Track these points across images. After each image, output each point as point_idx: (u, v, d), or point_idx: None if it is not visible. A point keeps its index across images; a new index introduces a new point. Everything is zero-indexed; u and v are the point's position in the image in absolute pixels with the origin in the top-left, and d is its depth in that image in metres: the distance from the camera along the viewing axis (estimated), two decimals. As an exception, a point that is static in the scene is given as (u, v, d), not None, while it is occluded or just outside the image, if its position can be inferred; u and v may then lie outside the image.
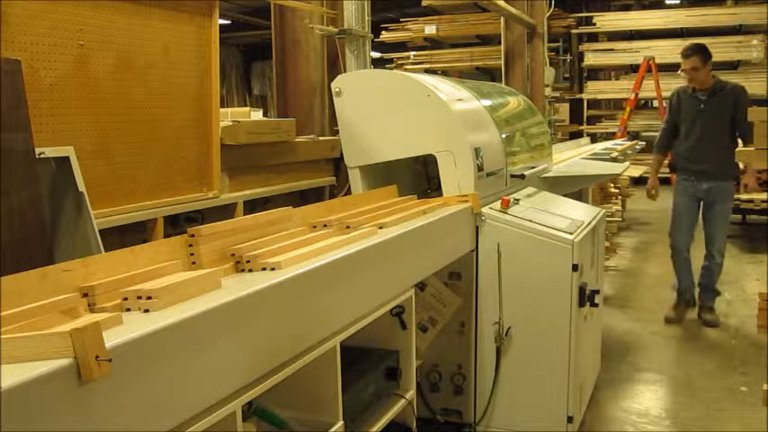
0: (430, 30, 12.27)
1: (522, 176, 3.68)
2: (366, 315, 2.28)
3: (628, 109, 12.76)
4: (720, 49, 12.60)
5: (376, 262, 2.33)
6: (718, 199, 5.18)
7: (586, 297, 3.26)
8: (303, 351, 1.93)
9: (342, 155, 3.50)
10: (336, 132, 3.95)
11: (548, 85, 10.34)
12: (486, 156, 3.32)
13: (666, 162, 5.69)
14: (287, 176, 3.89)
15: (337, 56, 4.42)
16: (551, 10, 10.47)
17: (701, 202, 5.24)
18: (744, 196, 8.11)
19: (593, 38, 14.12)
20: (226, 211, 3.30)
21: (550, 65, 10.75)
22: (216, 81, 3.13)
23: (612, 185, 7.85)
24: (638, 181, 10.61)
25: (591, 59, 13.81)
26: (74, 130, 2.48)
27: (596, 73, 15.02)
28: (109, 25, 2.60)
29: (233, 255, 1.98)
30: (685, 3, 14.42)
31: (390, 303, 2.49)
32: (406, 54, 13.17)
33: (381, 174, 3.47)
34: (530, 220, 3.19)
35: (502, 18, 9.32)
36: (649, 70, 12.60)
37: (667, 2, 14.73)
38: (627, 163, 5.68)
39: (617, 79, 14.72)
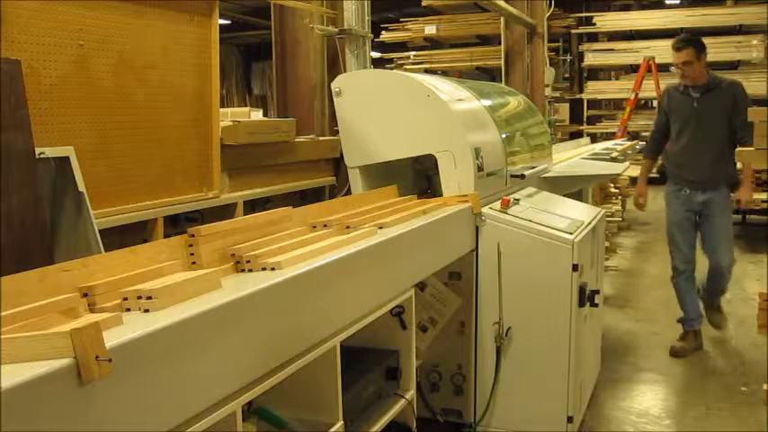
0: (430, 30, 12.26)
1: (522, 176, 3.68)
2: (366, 315, 2.28)
3: (628, 109, 12.74)
4: (720, 49, 12.60)
5: (376, 262, 2.33)
6: (717, 212, 4.57)
7: (586, 297, 3.26)
8: (303, 351, 1.93)
9: (342, 155, 3.50)
10: (336, 132, 3.95)
11: (548, 85, 10.33)
12: (486, 156, 3.32)
13: (656, 169, 5.29)
14: (287, 176, 3.89)
15: (337, 56, 4.42)
16: (551, 10, 10.46)
17: (698, 215, 4.66)
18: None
19: (593, 38, 14.11)
20: (226, 211, 3.30)
21: (550, 65, 10.74)
22: (216, 81, 3.13)
23: (612, 185, 7.85)
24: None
25: (591, 59, 13.80)
26: (74, 130, 2.48)
27: (596, 73, 15.01)
28: (109, 25, 2.60)
29: (233, 255, 1.98)
30: (685, 3, 14.41)
31: (390, 303, 2.49)
32: (406, 54, 13.16)
33: (381, 174, 3.47)
34: (530, 220, 3.19)
35: (502, 18, 9.31)
36: (649, 70, 12.58)
37: (667, 2, 14.73)
38: (627, 163, 5.68)
39: (617, 79, 14.71)
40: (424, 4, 11.40)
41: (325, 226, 2.46)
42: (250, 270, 1.94)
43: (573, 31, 13.93)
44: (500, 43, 9.72)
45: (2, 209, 1.92)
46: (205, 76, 3.09)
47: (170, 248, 1.90)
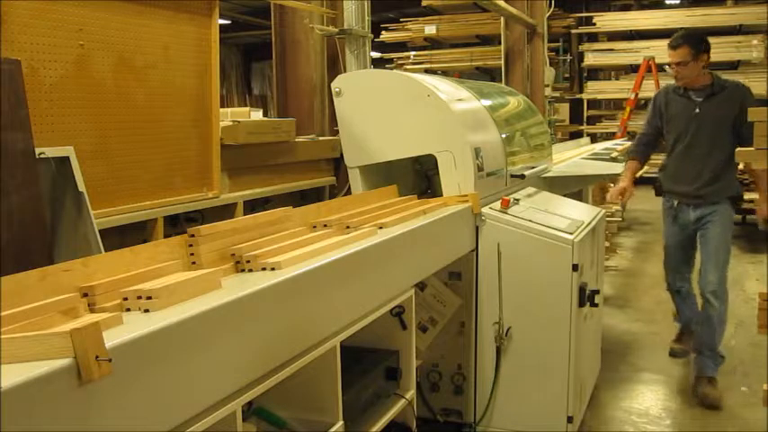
0: (430, 30, 12.26)
1: (522, 176, 3.68)
2: (366, 315, 2.28)
3: (628, 109, 12.75)
4: (720, 49, 12.59)
5: (376, 262, 2.33)
6: (712, 229, 4.04)
7: (586, 297, 3.26)
8: (303, 351, 1.93)
9: (342, 155, 3.50)
10: (336, 132, 3.96)
11: (548, 85, 10.33)
12: (486, 156, 3.32)
13: (647, 180, 4.74)
14: (287, 176, 3.89)
15: (337, 56, 4.42)
16: (551, 10, 10.46)
17: (695, 232, 4.15)
18: (744, 196, 8.04)
19: (593, 38, 14.11)
20: (226, 211, 3.30)
21: (550, 65, 10.74)
22: (216, 81, 3.13)
23: (612, 185, 7.83)
24: (638, 181, 10.60)
25: (591, 59, 13.80)
26: (74, 130, 2.48)
27: (596, 73, 15.02)
28: (109, 25, 2.60)
29: (233, 255, 1.98)
30: (685, 3, 14.42)
31: (390, 303, 2.49)
32: (406, 54, 13.16)
33: (381, 174, 3.47)
34: (530, 220, 3.19)
35: (502, 18, 9.31)
36: (649, 70, 12.59)
37: (667, 2, 14.73)
38: (627, 163, 5.68)
39: (617, 79, 14.71)
40: (424, 4, 11.41)
41: (326, 226, 2.46)
42: (250, 270, 1.94)
43: (573, 31, 13.93)
44: (500, 43, 9.72)
45: (2, 209, 1.92)
46: (205, 76, 3.09)
47: (170, 248, 1.90)
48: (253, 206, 3.58)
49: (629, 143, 7.72)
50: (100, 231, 2.38)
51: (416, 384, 2.81)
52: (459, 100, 3.48)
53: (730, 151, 3.74)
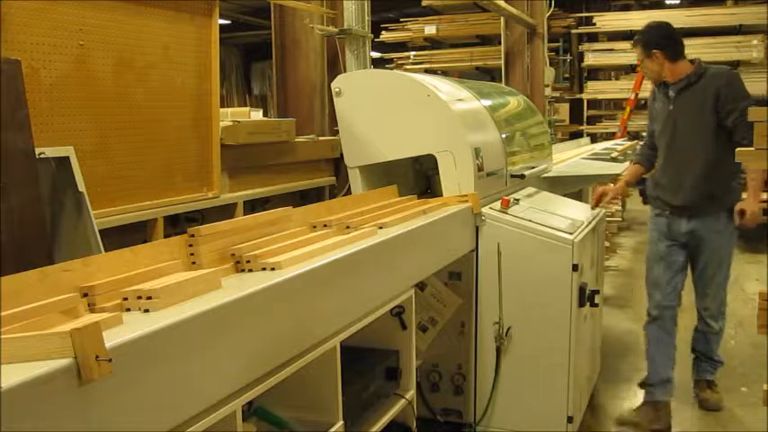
0: (430, 30, 12.25)
1: (522, 176, 3.68)
2: (366, 315, 2.28)
3: (628, 109, 12.75)
4: (720, 49, 12.60)
5: (376, 262, 2.33)
6: (708, 245, 3.57)
7: (586, 297, 3.26)
8: (303, 351, 1.93)
9: (342, 155, 3.50)
10: (336, 132, 3.95)
11: (548, 85, 10.33)
12: (486, 156, 3.32)
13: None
14: (287, 176, 3.89)
15: (337, 56, 4.42)
16: (551, 10, 10.47)
17: (687, 248, 3.67)
18: (744, 195, 8.03)
19: (593, 38, 14.10)
20: (226, 211, 3.30)
21: (550, 65, 10.75)
22: (216, 81, 3.13)
23: (612, 185, 7.83)
24: (638, 181, 10.60)
25: (591, 59, 13.79)
26: (74, 130, 2.48)
27: (596, 73, 15.00)
28: (109, 25, 2.60)
29: (233, 255, 1.98)
30: (685, 3, 14.41)
31: (390, 303, 2.49)
32: (406, 54, 13.15)
33: (381, 174, 3.47)
34: (530, 220, 3.19)
35: (502, 18, 9.31)
36: (649, 70, 12.57)
37: (667, 2, 14.73)
38: (627, 163, 5.67)
39: (617, 79, 14.70)
40: (424, 4, 11.40)
41: (326, 226, 2.46)
42: (250, 270, 1.94)
43: (573, 31, 13.93)
44: (500, 43, 9.72)
45: (2, 209, 1.92)
46: (205, 76, 3.09)
47: (170, 248, 1.90)
48: (253, 206, 3.58)
49: (628, 143, 7.73)
50: (100, 231, 2.38)
51: (416, 384, 2.81)
52: (459, 100, 3.48)
53: (720, 152, 3.40)
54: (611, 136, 12.25)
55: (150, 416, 1.37)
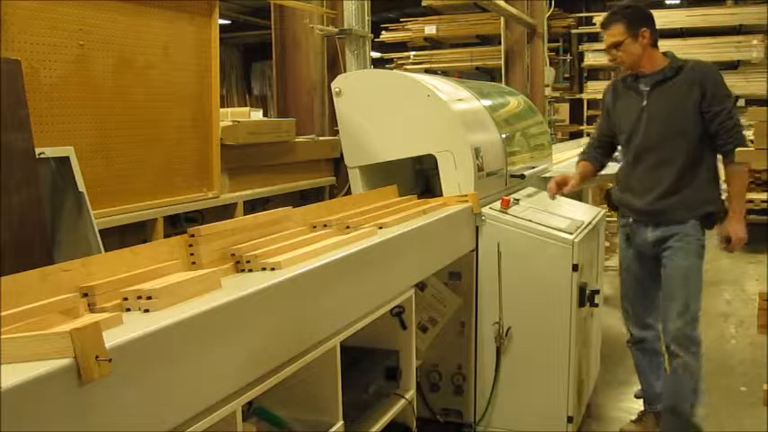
0: (430, 30, 12.25)
1: (522, 176, 3.68)
2: (366, 315, 2.28)
3: (628, 109, 12.72)
4: (720, 49, 12.59)
5: (376, 262, 2.33)
6: (673, 253, 3.11)
7: (586, 297, 3.26)
8: (303, 351, 1.93)
9: (342, 155, 3.50)
10: (336, 132, 3.95)
11: (548, 85, 10.33)
12: (486, 156, 3.32)
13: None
14: (287, 176, 3.89)
15: (337, 56, 4.42)
16: (551, 10, 10.47)
17: (656, 259, 3.21)
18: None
19: (593, 38, 14.10)
20: (226, 211, 3.30)
21: (550, 65, 10.74)
22: (216, 81, 3.13)
23: (612, 185, 7.84)
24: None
25: (591, 59, 13.79)
26: (74, 130, 2.48)
27: (596, 73, 15.01)
28: (109, 25, 2.60)
29: (233, 255, 1.98)
30: (685, 3, 14.41)
31: (390, 303, 2.49)
32: (406, 54, 13.15)
33: (381, 174, 3.47)
34: (530, 220, 3.19)
35: (502, 18, 9.31)
36: (649, 70, 12.58)
37: (667, 2, 14.72)
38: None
39: (617, 79, 14.70)
40: (424, 4, 11.40)
41: (326, 226, 2.46)
42: (250, 270, 1.94)
43: (573, 31, 13.92)
44: (500, 43, 9.72)
45: (2, 209, 1.92)
46: (205, 76, 3.09)
47: (170, 248, 1.90)
48: (253, 206, 3.58)
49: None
50: (100, 231, 2.38)
51: (416, 384, 2.81)
52: (459, 100, 3.48)
53: (699, 155, 3.06)
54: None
55: (150, 416, 1.37)
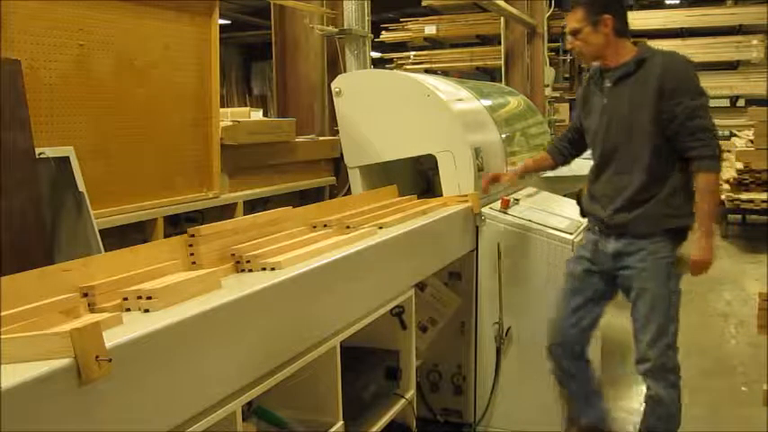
0: (430, 30, 12.26)
1: (522, 176, 3.68)
2: (366, 315, 2.28)
3: (628, 109, 12.73)
4: (720, 49, 12.60)
5: (376, 262, 2.33)
6: (640, 274, 2.70)
7: (586, 297, 3.25)
8: (303, 351, 1.93)
9: (342, 155, 3.50)
10: (336, 132, 3.96)
11: (548, 85, 10.33)
12: (486, 156, 3.32)
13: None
14: (287, 176, 3.89)
15: (337, 56, 4.42)
16: (551, 10, 10.47)
17: (612, 278, 2.81)
18: (743, 196, 8.05)
19: (593, 38, 14.10)
20: (226, 211, 3.30)
21: (550, 65, 10.75)
22: (216, 81, 3.13)
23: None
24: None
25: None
26: (74, 130, 2.48)
27: (596, 73, 15.00)
28: (109, 25, 2.60)
29: (233, 255, 1.99)
30: (685, 3, 14.41)
31: (390, 303, 2.49)
32: (406, 54, 13.16)
33: (381, 174, 3.48)
34: (530, 220, 3.19)
35: (502, 18, 9.32)
36: (649, 70, 12.58)
37: (667, 2, 14.72)
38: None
39: (617, 79, 14.70)
40: (424, 4, 11.41)
41: (326, 226, 2.46)
42: (250, 270, 1.94)
43: (573, 31, 13.90)
44: (500, 43, 9.73)
45: (2, 209, 1.92)
46: (205, 76, 3.09)
47: (170, 248, 1.90)
48: (253, 206, 3.58)
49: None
50: (100, 231, 2.38)
51: (416, 384, 2.81)
52: (459, 100, 3.48)
53: (665, 161, 2.65)
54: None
55: (150, 416, 1.37)
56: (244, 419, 1.73)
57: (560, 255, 3.10)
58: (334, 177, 4.32)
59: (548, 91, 10.37)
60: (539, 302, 3.14)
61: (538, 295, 3.14)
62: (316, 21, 4.41)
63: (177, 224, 3.17)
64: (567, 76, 14.76)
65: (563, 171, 4.53)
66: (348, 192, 3.62)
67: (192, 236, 1.94)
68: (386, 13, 13.58)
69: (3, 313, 1.34)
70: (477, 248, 3.20)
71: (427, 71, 11.76)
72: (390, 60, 13.41)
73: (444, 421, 3.34)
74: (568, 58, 14.36)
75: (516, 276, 3.16)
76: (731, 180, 8.16)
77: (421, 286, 3.19)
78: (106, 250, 2.28)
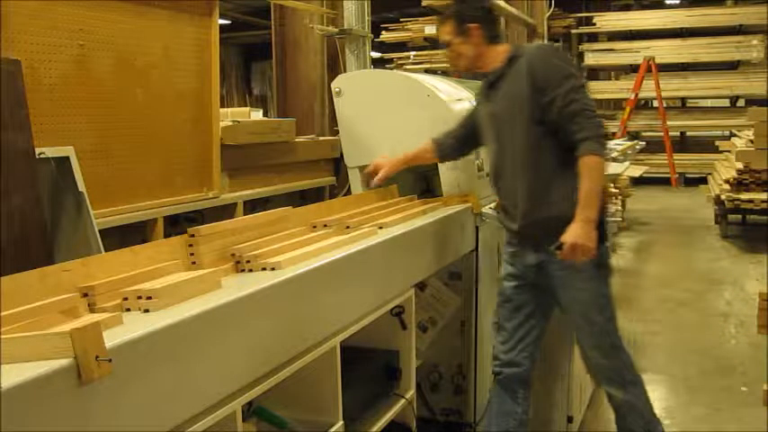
0: (430, 30, 12.26)
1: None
2: (366, 315, 2.28)
3: (628, 109, 12.77)
4: (720, 49, 12.61)
5: (376, 262, 2.33)
6: (561, 282, 2.62)
7: (586, 297, 3.25)
8: (303, 351, 1.93)
9: (342, 155, 3.49)
10: (336, 132, 3.96)
11: (548, 85, 10.32)
12: (486, 156, 3.31)
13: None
14: (287, 176, 3.89)
15: (337, 56, 4.42)
16: (551, 10, 10.49)
17: (542, 289, 2.71)
18: (743, 196, 8.04)
19: (594, 38, 14.12)
20: (226, 211, 3.31)
21: (550, 65, 10.74)
22: (216, 81, 3.14)
23: (612, 185, 7.86)
24: (638, 181, 10.62)
25: (591, 59, 13.81)
26: (74, 130, 2.48)
27: (596, 73, 15.03)
28: (109, 25, 2.60)
29: (233, 255, 1.98)
30: (685, 3, 14.42)
31: (390, 303, 2.49)
32: (405, 54, 13.15)
33: (381, 174, 3.47)
34: (530, 220, 3.18)
35: (502, 18, 9.32)
36: (649, 70, 12.61)
37: (667, 2, 14.73)
38: (627, 163, 5.68)
39: (617, 79, 14.73)
40: (424, 4, 11.40)
41: (326, 226, 2.46)
42: (250, 270, 1.94)
43: (573, 31, 13.93)
44: (500, 43, 9.72)
45: (2, 209, 1.92)
46: (205, 76, 3.09)
47: (170, 248, 1.90)
48: (253, 206, 3.58)
49: (629, 143, 7.73)
50: (100, 231, 2.39)
51: (416, 384, 2.81)
52: (459, 100, 3.48)
53: (554, 160, 2.53)
54: (610, 136, 12.25)
55: (150, 416, 1.37)
56: (244, 419, 1.73)
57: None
58: (334, 177, 4.33)
59: (548, 91, 10.36)
60: (539, 302, 3.13)
61: (538, 295, 3.13)
62: (316, 21, 4.41)
63: (177, 224, 3.18)
64: (566, 76, 14.73)
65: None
66: (348, 192, 3.62)
67: (192, 236, 1.93)
68: (386, 13, 13.60)
69: (3, 313, 1.34)
70: (477, 248, 3.20)
71: (427, 71, 11.76)
72: (390, 60, 13.41)
73: (444, 421, 3.34)
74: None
75: (516, 276, 3.15)
76: (731, 180, 8.16)
77: (421, 286, 3.19)
78: (106, 250, 2.28)
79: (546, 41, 10.21)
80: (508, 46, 2.70)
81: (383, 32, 12.61)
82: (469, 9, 2.69)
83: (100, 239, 2.36)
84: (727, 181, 8.24)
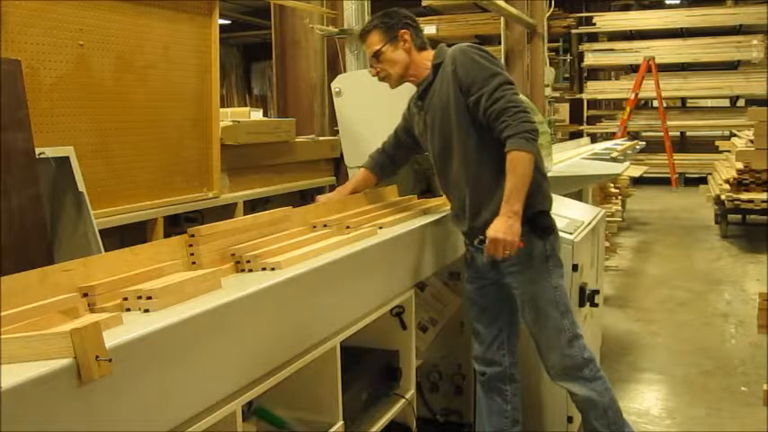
0: (430, 30, 12.25)
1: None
2: (366, 315, 2.28)
3: (628, 109, 12.77)
4: (720, 49, 12.61)
5: (376, 262, 2.33)
6: (514, 278, 2.63)
7: (586, 297, 3.26)
8: (303, 351, 1.93)
9: (342, 155, 3.49)
10: (336, 132, 3.96)
11: (548, 85, 10.34)
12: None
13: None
14: (287, 176, 3.89)
15: (337, 56, 4.42)
16: (551, 10, 10.48)
17: (498, 282, 2.71)
18: (743, 196, 8.05)
19: (594, 38, 14.12)
20: (226, 211, 3.31)
21: (550, 65, 10.76)
22: (216, 81, 3.14)
23: (612, 185, 7.86)
24: (638, 181, 10.63)
25: (591, 59, 13.81)
26: (74, 130, 2.49)
27: (596, 73, 15.03)
28: (109, 25, 2.60)
29: (233, 255, 1.98)
30: (685, 3, 14.42)
31: (390, 303, 2.49)
32: (405, 54, 13.16)
33: (381, 174, 3.47)
34: (530, 220, 3.18)
35: (502, 18, 9.31)
36: (649, 70, 12.61)
37: (667, 2, 14.73)
38: (627, 163, 5.68)
39: (617, 79, 14.73)
40: (424, 4, 11.41)
41: (326, 226, 2.46)
42: (250, 270, 1.94)
43: (573, 31, 13.94)
44: (500, 43, 9.72)
45: (2, 209, 1.92)
46: (205, 76, 3.09)
47: (170, 248, 1.90)
48: (253, 206, 3.58)
49: (628, 143, 7.73)
50: (100, 231, 2.39)
51: (416, 384, 2.81)
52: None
53: (489, 159, 2.52)
54: (610, 136, 12.27)
55: (150, 416, 1.37)
56: (244, 419, 1.73)
57: (560, 254, 3.09)
58: (334, 177, 4.33)
59: (548, 91, 10.38)
60: (539, 302, 3.13)
61: (538, 295, 3.13)
62: (316, 21, 4.41)
63: (177, 224, 3.18)
64: (566, 76, 14.77)
65: (563, 171, 4.53)
66: (348, 192, 3.61)
67: (192, 236, 1.93)
68: (386, 13, 13.58)
69: (3, 313, 1.34)
70: (477, 248, 3.19)
71: (427, 71, 11.75)
72: (390, 60, 13.40)
73: (444, 421, 3.34)
74: (568, 57, 14.37)
75: (516, 276, 3.15)
76: (731, 180, 8.16)
77: (421, 286, 3.19)
78: (106, 250, 2.28)
79: (546, 42, 10.21)
80: (433, 52, 2.69)
81: (383, 32, 12.59)
82: (396, 16, 2.68)
83: (100, 239, 2.36)
84: (727, 181, 8.24)
